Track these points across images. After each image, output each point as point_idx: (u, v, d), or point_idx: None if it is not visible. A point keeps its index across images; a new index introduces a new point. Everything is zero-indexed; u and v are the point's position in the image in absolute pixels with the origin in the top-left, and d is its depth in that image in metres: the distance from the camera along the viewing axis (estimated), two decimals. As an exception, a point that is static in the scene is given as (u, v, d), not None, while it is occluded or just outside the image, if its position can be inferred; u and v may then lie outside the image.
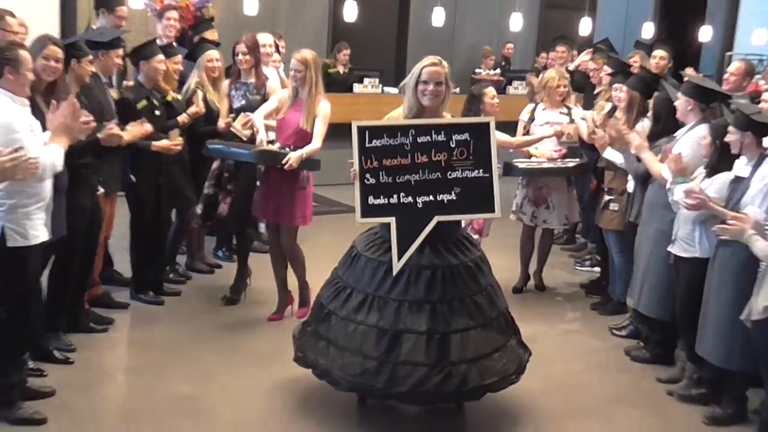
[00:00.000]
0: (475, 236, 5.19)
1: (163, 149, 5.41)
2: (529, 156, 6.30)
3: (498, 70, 11.94)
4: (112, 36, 5.40)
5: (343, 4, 9.96)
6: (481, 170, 4.04)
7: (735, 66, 6.58)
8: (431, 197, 4.02)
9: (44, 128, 4.05)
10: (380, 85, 10.30)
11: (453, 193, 4.03)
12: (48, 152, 3.89)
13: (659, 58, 7.14)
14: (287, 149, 5.11)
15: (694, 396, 4.70)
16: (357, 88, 10.16)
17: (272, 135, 5.47)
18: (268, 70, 6.51)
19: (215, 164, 5.72)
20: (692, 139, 4.81)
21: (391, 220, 4.00)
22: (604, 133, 5.55)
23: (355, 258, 4.14)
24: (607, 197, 5.79)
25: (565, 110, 6.38)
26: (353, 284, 4.07)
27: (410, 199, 4.02)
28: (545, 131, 6.27)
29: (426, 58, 4.11)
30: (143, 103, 5.43)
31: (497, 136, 4.27)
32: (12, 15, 5.12)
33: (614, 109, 6.25)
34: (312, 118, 5.13)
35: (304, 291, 5.57)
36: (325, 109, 5.17)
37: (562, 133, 6.18)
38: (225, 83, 6.04)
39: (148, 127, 5.21)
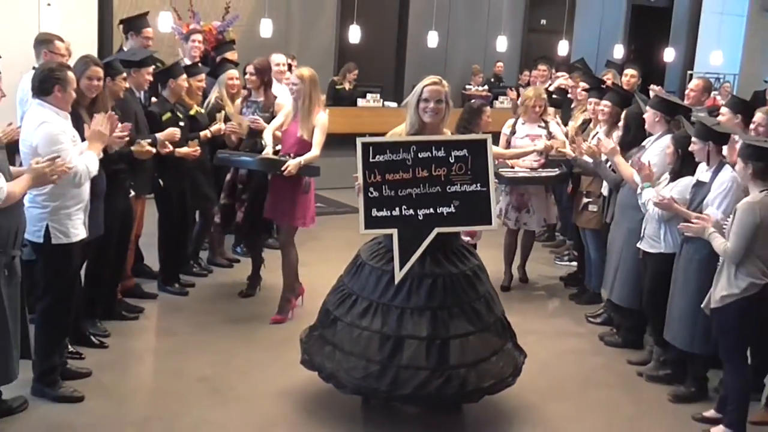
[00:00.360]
0: (466, 238, 5.15)
1: (185, 155, 5.42)
2: (512, 166, 6.29)
3: (486, 86, 11.93)
4: (143, 55, 5.41)
5: (348, 27, 9.99)
6: (478, 184, 3.88)
7: (695, 83, 6.61)
8: (431, 210, 3.86)
9: (83, 138, 4.07)
10: (381, 100, 10.29)
11: (452, 205, 3.86)
12: (84, 159, 3.91)
13: (630, 76, 7.13)
14: (287, 157, 5.06)
15: (661, 376, 4.71)
16: (360, 102, 10.16)
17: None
18: (280, 87, 6.50)
19: (228, 176, 5.67)
20: (659, 147, 4.82)
21: (394, 232, 3.83)
22: (579, 143, 5.58)
23: (360, 266, 3.97)
24: (585, 200, 5.77)
25: (543, 124, 6.35)
26: (358, 291, 3.90)
27: (411, 211, 3.85)
28: (526, 143, 6.26)
29: (427, 78, 3.95)
30: (168, 115, 5.43)
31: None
32: (61, 40, 5.09)
33: (588, 121, 6.26)
34: (309, 128, 5.06)
35: (285, 302, 5.37)
36: (322, 119, 5.09)
37: (552, 147, 6.17)
38: (238, 102, 6.01)
39: (177, 133, 5.29)
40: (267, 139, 5.30)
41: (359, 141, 3.89)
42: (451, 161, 3.87)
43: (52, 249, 3.90)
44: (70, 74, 3.93)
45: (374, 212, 3.86)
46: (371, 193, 3.86)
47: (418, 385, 3.67)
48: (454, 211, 3.86)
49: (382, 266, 3.87)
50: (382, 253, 3.93)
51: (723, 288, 3.89)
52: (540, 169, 6.25)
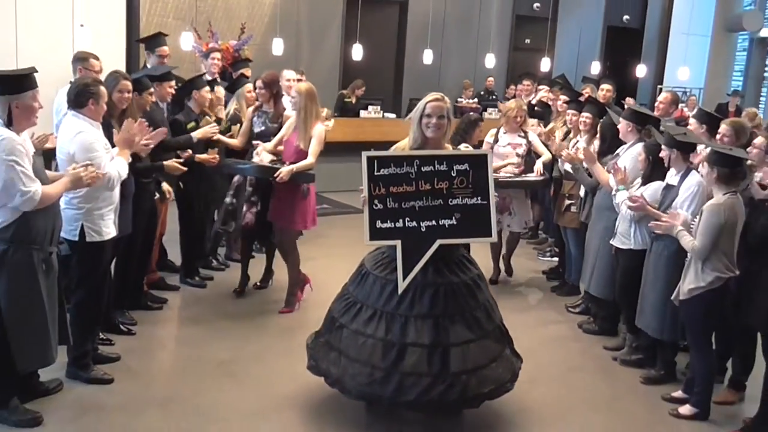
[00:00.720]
0: None
1: (204, 161, 5.42)
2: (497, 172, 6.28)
3: (476, 99, 11.93)
4: (163, 71, 5.40)
5: (352, 46, 10.00)
6: (479, 198, 3.70)
7: (664, 96, 6.61)
8: (434, 222, 3.67)
9: (113, 145, 4.08)
10: (381, 112, 10.30)
11: (454, 218, 3.68)
12: (115, 165, 3.93)
13: (606, 90, 7.12)
14: (281, 164, 5.02)
15: (633, 360, 4.72)
16: (362, 113, 10.17)
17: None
18: (289, 100, 6.49)
19: (236, 178, 5.62)
20: (631, 155, 4.82)
21: (397, 243, 3.64)
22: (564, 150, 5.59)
23: (364, 276, 3.77)
24: (568, 202, 5.77)
25: (522, 134, 6.33)
26: (363, 300, 3.69)
27: (414, 223, 3.66)
28: (508, 151, 6.23)
29: (430, 94, 3.76)
30: (192, 124, 5.45)
31: None
32: (96, 58, 5.06)
33: (569, 131, 6.26)
34: (306, 138, 5.00)
35: (291, 296, 5.34)
36: (319, 131, 5.04)
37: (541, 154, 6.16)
38: (250, 110, 6.01)
39: (214, 131, 5.41)
40: (263, 149, 5.28)
41: (364, 155, 3.72)
42: (453, 175, 3.71)
43: (86, 246, 3.92)
44: (103, 89, 3.96)
45: (379, 224, 3.68)
46: (376, 206, 3.69)
47: (421, 392, 3.49)
48: (455, 223, 3.69)
49: (386, 275, 3.68)
50: (386, 262, 3.74)
51: (691, 282, 3.90)
52: (522, 175, 6.25)
